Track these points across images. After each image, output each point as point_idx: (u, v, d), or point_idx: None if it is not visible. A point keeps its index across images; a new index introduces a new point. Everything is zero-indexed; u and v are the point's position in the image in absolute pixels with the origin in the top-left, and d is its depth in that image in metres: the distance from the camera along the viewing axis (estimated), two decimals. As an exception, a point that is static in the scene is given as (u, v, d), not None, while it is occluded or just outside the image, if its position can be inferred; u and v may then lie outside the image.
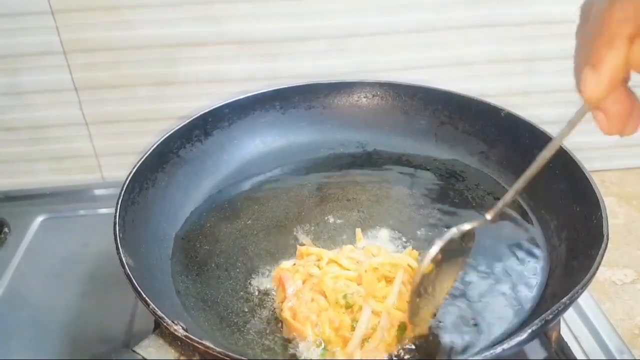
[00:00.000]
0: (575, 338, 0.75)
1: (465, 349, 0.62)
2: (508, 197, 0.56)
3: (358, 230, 0.77)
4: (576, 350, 0.73)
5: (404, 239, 0.77)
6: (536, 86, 1.06)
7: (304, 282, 0.66)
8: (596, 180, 1.12)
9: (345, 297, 0.63)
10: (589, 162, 1.15)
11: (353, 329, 0.61)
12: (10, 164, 1.09)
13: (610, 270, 0.95)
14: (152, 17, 0.96)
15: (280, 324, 0.65)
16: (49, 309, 0.81)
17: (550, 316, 0.55)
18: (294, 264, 0.71)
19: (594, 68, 0.43)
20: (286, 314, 0.64)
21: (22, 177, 1.10)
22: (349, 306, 0.62)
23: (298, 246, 0.74)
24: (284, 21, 0.98)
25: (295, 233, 0.79)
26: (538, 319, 0.55)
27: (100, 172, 1.11)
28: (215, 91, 1.01)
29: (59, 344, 0.76)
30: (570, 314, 0.78)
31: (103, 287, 0.83)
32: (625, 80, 0.45)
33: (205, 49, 1.00)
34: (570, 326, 0.76)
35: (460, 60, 1.02)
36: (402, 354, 0.62)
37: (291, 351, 0.62)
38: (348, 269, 0.67)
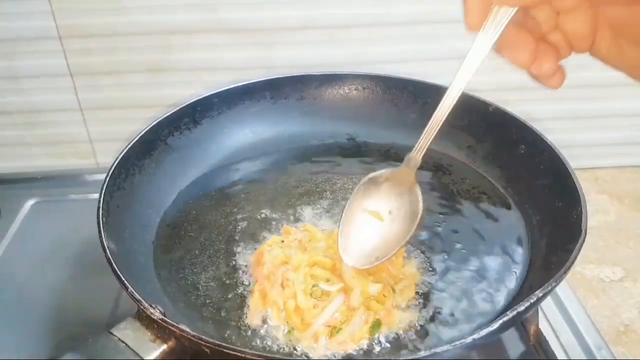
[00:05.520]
0: (555, 333, 0.75)
1: (440, 340, 0.62)
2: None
3: None
4: (555, 346, 0.73)
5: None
6: (530, 82, 1.05)
7: (278, 265, 0.66)
8: (589, 178, 1.12)
9: (316, 286, 0.63)
10: (583, 160, 1.15)
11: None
12: (5, 148, 1.10)
13: (598, 268, 0.95)
14: (147, 4, 0.96)
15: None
16: (36, 292, 0.82)
17: (523, 308, 0.55)
18: (283, 240, 0.71)
19: None
20: (256, 295, 0.65)
21: (17, 160, 1.11)
22: (317, 296, 0.63)
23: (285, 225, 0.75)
24: (279, 10, 0.98)
25: (280, 223, 0.79)
26: (510, 310, 0.55)
27: (95, 157, 1.12)
28: (210, 79, 1.02)
29: (44, 326, 0.77)
30: (551, 309, 0.78)
31: (90, 272, 0.84)
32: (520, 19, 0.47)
33: (200, 37, 1.00)
34: (551, 321, 0.77)
35: (454, 54, 1.01)
36: (373, 345, 0.62)
37: (262, 335, 0.63)
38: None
